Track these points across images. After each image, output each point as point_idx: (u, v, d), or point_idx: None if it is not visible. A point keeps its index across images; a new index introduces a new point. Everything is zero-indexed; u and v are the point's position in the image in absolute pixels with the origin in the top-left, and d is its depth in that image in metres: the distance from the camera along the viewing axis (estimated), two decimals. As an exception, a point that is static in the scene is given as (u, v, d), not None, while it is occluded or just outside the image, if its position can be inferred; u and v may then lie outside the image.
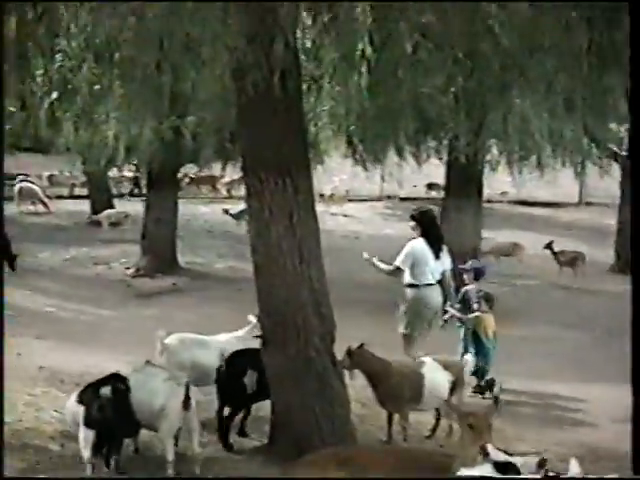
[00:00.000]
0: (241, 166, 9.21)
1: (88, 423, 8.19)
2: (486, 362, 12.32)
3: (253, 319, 10.70)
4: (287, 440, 9.15)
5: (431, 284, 11.71)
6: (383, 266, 12.00)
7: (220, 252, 24.65)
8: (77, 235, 27.23)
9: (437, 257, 11.75)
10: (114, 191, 33.69)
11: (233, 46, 6.81)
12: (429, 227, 11.88)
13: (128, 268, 22.03)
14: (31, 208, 32.03)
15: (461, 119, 12.29)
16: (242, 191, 27.56)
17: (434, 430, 10.37)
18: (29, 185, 33.25)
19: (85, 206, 30.85)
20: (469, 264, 13.10)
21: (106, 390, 8.27)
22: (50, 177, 37.37)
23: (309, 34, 7.23)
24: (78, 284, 20.61)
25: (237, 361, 9.75)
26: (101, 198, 30.73)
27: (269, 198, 8.71)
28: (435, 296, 11.77)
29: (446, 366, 10.18)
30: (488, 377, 12.22)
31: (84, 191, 33.91)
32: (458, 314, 12.37)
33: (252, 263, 9.18)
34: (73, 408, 8.54)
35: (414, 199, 34.26)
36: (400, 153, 18.05)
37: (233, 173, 31.78)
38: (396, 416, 10.06)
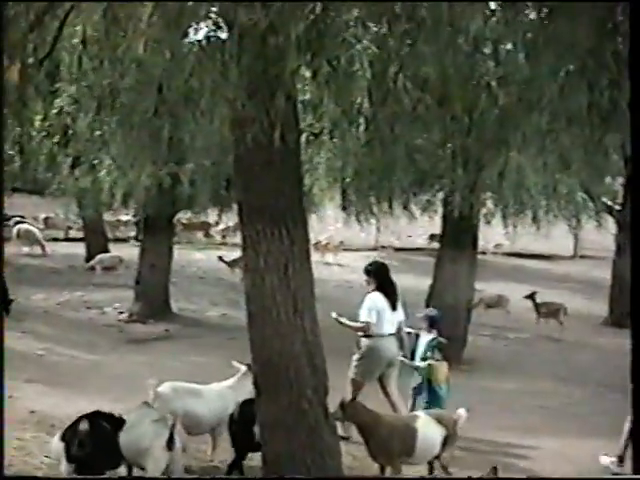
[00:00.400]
0: (237, 215, 9.22)
1: (69, 458, 8.86)
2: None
3: (239, 365, 10.85)
4: (278, 492, 9.11)
5: (386, 335, 12.02)
6: (352, 323, 12.14)
7: (213, 299, 24.59)
8: (71, 278, 27.18)
9: (394, 308, 12.13)
10: (110, 235, 33.67)
11: (232, 98, 6.84)
12: (383, 280, 12.26)
13: (121, 313, 21.95)
14: (26, 250, 31.99)
15: (458, 174, 12.33)
16: (237, 238, 27.68)
17: (426, 483, 10.34)
18: (28, 227, 33.28)
19: (80, 249, 30.82)
20: (424, 313, 13.05)
21: (84, 425, 8.95)
22: (46, 219, 37.33)
23: (308, 87, 7.26)
24: (70, 328, 20.50)
25: (247, 409, 9.90)
26: (97, 242, 30.72)
27: (265, 248, 8.73)
28: (390, 346, 12.08)
29: (439, 420, 10.16)
30: None
31: (80, 234, 33.89)
32: (410, 362, 12.37)
33: (246, 312, 9.19)
34: (57, 446, 9.14)
35: (409, 249, 34.33)
36: (392, 206, 18.09)
37: (228, 220, 31.94)
38: (388, 469, 10.03)
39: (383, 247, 34.69)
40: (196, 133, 8.99)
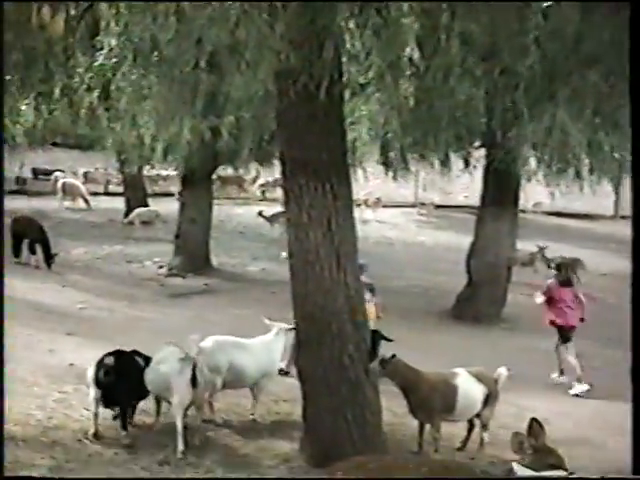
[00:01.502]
0: (280, 170, 9.14)
1: (97, 384, 9.70)
2: None
3: (271, 323, 11.11)
4: (318, 446, 9.10)
5: None
6: None
7: (253, 254, 24.58)
8: (111, 232, 27.28)
9: None
10: (149, 189, 33.71)
11: (279, 50, 6.74)
12: None
13: (161, 267, 22.01)
14: (67, 204, 32.15)
15: (502, 130, 12.17)
16: (276, 193, 27.73)
17: (465, 442, 10.29)
18: (73, 181, 33.49)
19: (119, 203, 30.90)
20: None
21: (109, 359, 9.76)
22: (85, 174, 37.48)
23: (356, 39, 7.12)
24: (110, 281, 20.60)
25: None
26: (136, 196, 30.76)
27: (308, 203, 8.67)
28: None
29: (480, 379, 10.09)
30: None
31: (119, 188, 33.98)
32: None
33: (289, 267, 9.16)
34: (89, 372, 9.96)
35: (449, 206, 34.09)
36: (433, 162, 17.91)
37: (267, 175, 31.89)
38: (427, 427, 9.98)
39: (422, 204, 34.46)
40: (237, 86, 8.86)
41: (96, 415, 9.79)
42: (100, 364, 9.80)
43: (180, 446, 9.26)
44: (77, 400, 10.76)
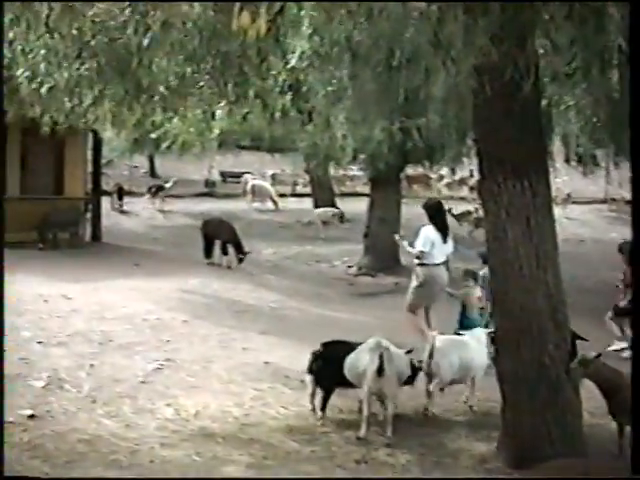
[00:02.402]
0: (478, 168, 9.03)
1: (310, 370, 10.32)
2: None
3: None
4: (516, 447, 8.94)
5: (439, 264, 13.60)
6: (410, 249, 14.02)
7: (442, 253, 24.39)
8: (300, 233, 27.63)
9: (444, 241, 13.67)
10: (336, 189, 34.00)
11: (481, 46, 6.64)
12: (434, 215, 13.88)
13: (350, 266, 22.16)
14: (256, 205, 32.78)
15: None
16: (462, 191, 27.54)
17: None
18: (262, 183, 34.20)
19: (307, 204, 31.28)
20: (477, 251, 14.42)
21: (319, 348, 10.36)
22: (273, 175, 38.16)
23: (560, 29, 6.93)
24: (301, 281, 20.87)
25: None
26: (324, 197, 31.07)
27: (506, 201, 8.53)
28: (442, 274, 13.67)
29: (685, 380, 9.71)
30: None
31: (306, 189, 34.43)
32: (450, 290, 13.87)
33: (488, 266, 9.05)
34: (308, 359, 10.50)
35: (641, 202, 33.05)
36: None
37: (454, 174, 31.69)
38: (628, 429, 9.67)
39: (613, 199, 33.60)
40: (429, 86, 8.78)
41: (312, 395, 10.32)
42: (313, 353, 10.40)
43: (361, 432, 9.50)
44: (273, 398, 10.86)
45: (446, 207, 29.09)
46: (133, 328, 14.00)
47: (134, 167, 43.26)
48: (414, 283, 13.83)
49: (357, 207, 27.71)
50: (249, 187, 33.43)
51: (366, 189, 27.37)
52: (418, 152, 18.57)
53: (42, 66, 8.70)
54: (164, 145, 13.96)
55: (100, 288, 17.01)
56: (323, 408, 10.15)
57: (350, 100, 10.14)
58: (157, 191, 33.27)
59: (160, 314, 15.10)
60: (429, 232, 13.68)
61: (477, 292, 13.54)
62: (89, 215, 25.45)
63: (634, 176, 6.46)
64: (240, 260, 21.05)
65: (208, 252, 21.53)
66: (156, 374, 11.49)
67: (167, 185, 33.77)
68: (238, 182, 38.38)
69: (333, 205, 30.45)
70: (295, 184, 38.31)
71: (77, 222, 23.97)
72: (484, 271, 13.44)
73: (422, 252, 13.52)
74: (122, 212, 31.94)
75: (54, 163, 24.30)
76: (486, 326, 12.49)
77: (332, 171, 30.08)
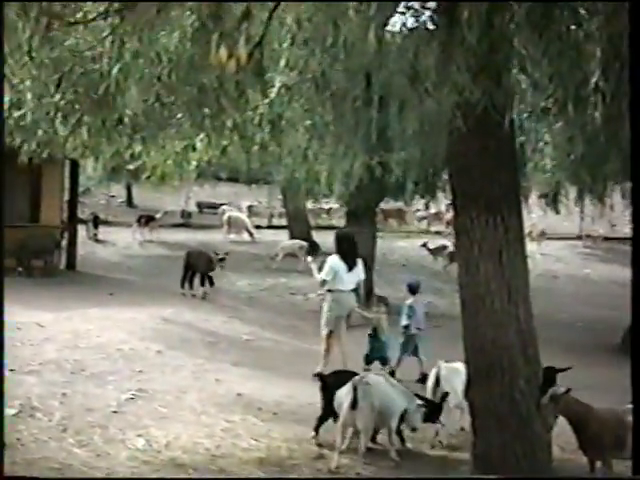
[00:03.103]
0: (450, 203, 9.14)
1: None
2: (381, 353, 14.77)
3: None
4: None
5: (344, 290, 14.35)
6: (316, 275, 14.73)
7: (416, 287, 24.44)
8: (274, 265, 27.61)
9: (350, 270, 14.37)
10: (312, 222, 34.09)
11: (458, 82, 6.72)
12: (339, 245, 14.66)
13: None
14: (232, 237, 32.80)
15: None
16: (438, 226, 27.56)
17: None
18: (238, 215, 34.26)
19: (282, 236, 31.30)
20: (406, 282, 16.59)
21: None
22: (250, 207, 38.23)
23: (536, 66, 7.02)
24: (275, 313, 20.86)
25: None
26: (300, 229, 31.14)
27: (479, 236, 8.62)
28: (347, 300, 14.45)
29: (654, 416, 9.78)
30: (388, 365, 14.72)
31: (282, 221, 34.50)
32: (363, 313, 15.26)
33: (459, 300, 9.12)
34: None
35: (615, 238, 33.34)
36: (603, 194, 17.56)
37: (430, 207, 31.78)
38: (598, 464, 9.70)
39: (588, 236, 33.81)
40: (405, 120, 8.85)
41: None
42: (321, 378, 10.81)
43: (332, 464, 9.48)
44: (244, 429, 10.82)
45: (421, 241, 29.49)
46: (106, 357, 13.96)
47: (111, 196, 43.26)
48: (324, 308, 14.74)
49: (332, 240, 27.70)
50: (225, 218, 33.48)
51: (342, 222, 27.48)
52: (394, 186, 18.64)
53: (28, 95, 8.74)
54: (143, 176, 13.99)
55: (74, 317, 16.96)
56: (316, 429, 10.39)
57: (329, 134, 10.18)
58: (147, 222, 33.23)
59: (134, 344, 15.07)
60: (333, 261, 14.48)
61: (385, 318, 15.23)
62: (64, 243, 25.41)
63: (634, 178, 6.44)
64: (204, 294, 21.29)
65: (184, 282, 21.56)
66: (128, 404, 11.45)
67: (157, 216, 33.75)
68: (215, 213, 38.43)
69: (308, 238, 30.51)
70: (271, 216, 38.40)
71: (52, 250, 23.95)
72: (410, 301, 15.48)
73: (324, 281, 14.43)
74: (97, 241, 31.89)
75: (31, 191, 24.30)
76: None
77: (309, 204, 30.16)
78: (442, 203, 30.04)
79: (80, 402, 11.30)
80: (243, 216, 34.40)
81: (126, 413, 11.02)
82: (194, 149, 11.26)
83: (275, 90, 9.31)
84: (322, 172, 14.03)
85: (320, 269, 14.72)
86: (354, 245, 15.02)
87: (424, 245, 28.76)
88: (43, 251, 23.49)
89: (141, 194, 41.56)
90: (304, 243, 28.65)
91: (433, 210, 33.54)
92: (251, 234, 32.85)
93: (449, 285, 21.04)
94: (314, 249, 29.78)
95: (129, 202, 44.72)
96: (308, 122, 10.03)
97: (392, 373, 14.01)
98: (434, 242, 29.88)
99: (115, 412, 11.02)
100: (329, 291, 14.54)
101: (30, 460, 8.96)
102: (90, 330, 15.77)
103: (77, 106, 8.91)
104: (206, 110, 9.37)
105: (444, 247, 28.63)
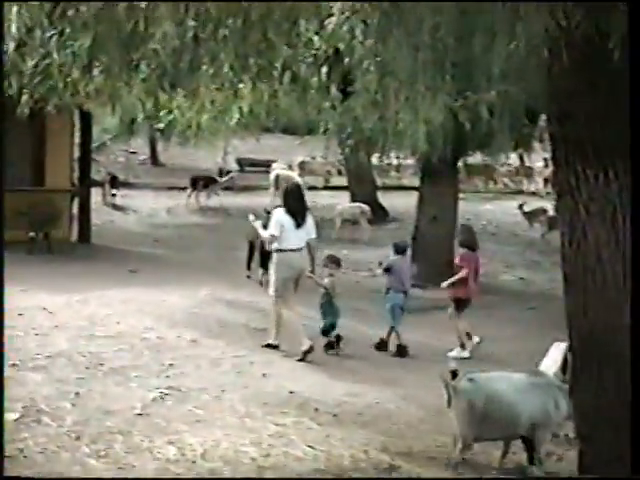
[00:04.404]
0: (550, 156, 9.05)
1: None
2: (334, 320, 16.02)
3: None
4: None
5: (294, 249, 15.11)
6: (263, 233, 15.84)
7: (507, 260, 24.38)
8: (330, 235, 27.59)
9: (297, 226, 15.13)
10: (378, 181, 33.97)
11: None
12: (285, 198, 15.59)
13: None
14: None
15: None
16: (534, 185, 27.40)
17: None
18: (289, 173, 34.19)
19: (342, 199, 31.23)
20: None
21: None
22: (302, 164, 38.19)
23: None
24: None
25: None
26: (363, 190, 30.99)
27: (586, 195, 8.53)
28: (297, 260, 15.23)
29: None
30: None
31: (342, 180, 34.42)
32: (315, 277, 15.93)
33: (562, 275, 9.04)
34: None
35: None
36: None
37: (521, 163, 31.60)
38: None
39: None
40: (496, 53, 8.78)
41: None
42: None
43: None
44: (298, 435, 10.83)
45: (513, 204, 29.28)
46: (129, 349, 14.05)
47: (131, 153, 43.37)
48: (270, 270, 15.72)
49: (404, 203, 27.65)
50: (273, 178, 33.40)
51: (415, 181, 27.32)
52: (482, 135, 18.47)
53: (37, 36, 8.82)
54: (173, 132, 14.06)
55: (89, 299, 17.09)
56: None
57: (403, 72, 10.09)
58: (207, 184, 33.35)
59: (162, 332, 15.16)
60: (279, 215, 15.21)
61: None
62: (75, 210, 25.53)
63: (634, 178, 6.41)
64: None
65: (250, 262, 21.61)
66: (156, 405, 11.53)
67: (222, 179, 33.83)
68: (260, 171, 38.40)
69: (374, 200, 30.38)
70: (329, 174, 38.33)
71: (60, 219, 24.04)
72: (393, 259, 16.97)
73: (272, 236, 15.12)
74: (116, 207, 32.05)
75: (33, 148, 24.44)
76: None
77: (374, 159, 30.02)
78: (539, 156, 29.86)
79: (97, 403, 11.38)
80: (294, 175, 34.34)
81: (153, 416, 11.10)
82: (236, 95, 11.25)
83: (334, 19, 9.29)
84: (393, 119, 13.89)
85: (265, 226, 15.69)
86: (302, 198, 15.73)
87: (520, 207, 28.56)
88: (49, 220, 23.54)
89: (168, 150, 41.64)
90: (367, 207, 28.54)
91: (528, 165, 33.33)
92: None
93: (548, 257, 20.94)
94: (381, 214, 29.75)
95: (154, 159, 44.72)
96: (376, 58, 9.96)
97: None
98: (530, 205, 29.68)
99: (140, 415, 11.10)
100: (277, 250, 15.24)
101: (36, 475, 9.02)
102: (109, 315, 15.89)
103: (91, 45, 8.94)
104: (251, 46, 9.36)
105: (543, 211, 28.42)
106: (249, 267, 21.57)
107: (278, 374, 13.51)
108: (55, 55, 9.12)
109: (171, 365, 13.39)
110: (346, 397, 12.49)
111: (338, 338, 15.84)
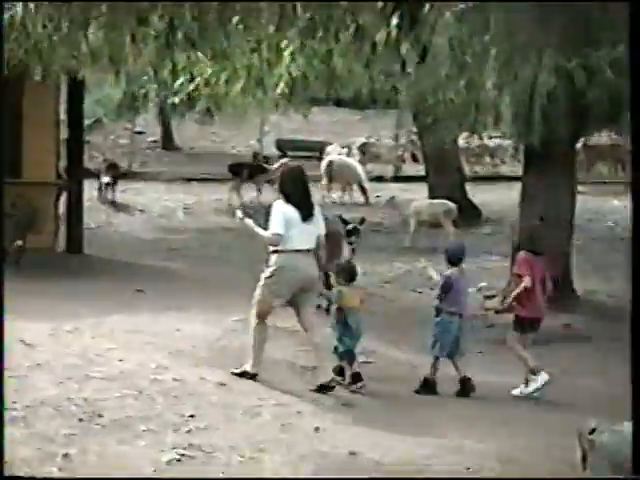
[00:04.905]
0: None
1: None
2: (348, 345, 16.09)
3: None
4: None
5: (300, 250, 15.24)
6: (263, 233, 15.50)
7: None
8: (407, 240, 27.75)
9: (304, 220, 15.24)
10: (467, 170, 34.00)
11: None
12: (284, 185, 15.63)
13: (489, 297, 22.29)
14: (334, 196, 32.99)
15: None
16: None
17: None
18: (345, 160, 34.37)
19: (418, 193, 31.36)
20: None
21: None
22: (364, 146, 38.26)
23: None
24: (408, 319, 21.12)
25: None
26: (446, 181, 31.02)
27: None
28: (303, 263, 15.33)
29: None
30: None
31: (417, 169, 34.51)
32: (326, 292, 16.79)
33: None
34: None
35: None
36: None
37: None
38: None
39: None
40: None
41: None
42: None
43: None
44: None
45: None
46: (136, 395, 14.06)
47: (136, 132, 43.38)
48: (264, 274, 15.53)
49: (503, 199, 27.66)
50: (324, 165, 33.41)
51: (518, 169, 27.33)
52: (606, 107, 18.40)
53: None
54: (196, 105, 14.17)
55: (81, 329, 17.15)
56: None
57: (500, 24, 10.15)
58: (251, 175, 33.41)
59: (179, 372, 15.22)
60: (280, 207, 15.26)
61: (356, 293, 16.38)
62: (63, 210, 25.69)
63: (634, 178, 7.65)
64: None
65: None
66: (173, 469, 11.58)
67: (273, 166, 33.86)
68: (307, 157, 38.40)
69: (462, 195, 30.42)
70: (401, 160, 38.34)
71: (42, 222, 24.16)
72: (448, 273, 16.84)
73: (278, 235, 15.10)
74: (115, 205, 32.10)
75: (7, 128, 24.42)
76: None
77: (461, 141, 30.02)
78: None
79: (94, 468, 11.45)
80: (353, 162, 34.39)
81: (170, 484, 11.20)
82: (280, 54, 11.31)
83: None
84: (487, 87, 13.90)
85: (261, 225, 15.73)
86: (305, 182, 15.79)
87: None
88: (27, 224, 23.64)
89: (184, 128, 41.77)
90: (452, 204, 28.45)
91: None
92: (365, 192, 32.78)
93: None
94: (471, 213, 29.74)
95: (166, 142, 44.63)
96: (460, 5, 10.07)
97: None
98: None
99: (152, 482, 11.20)
100: (276, 252, 15.26)
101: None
102: (109, 350, 15.95)
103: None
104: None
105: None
106: None
107: (334, 429, 13.51)
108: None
109: (192, 416, 13.39)
110: (421, 458, 12.47)
111: (341, 370, 16.02)
